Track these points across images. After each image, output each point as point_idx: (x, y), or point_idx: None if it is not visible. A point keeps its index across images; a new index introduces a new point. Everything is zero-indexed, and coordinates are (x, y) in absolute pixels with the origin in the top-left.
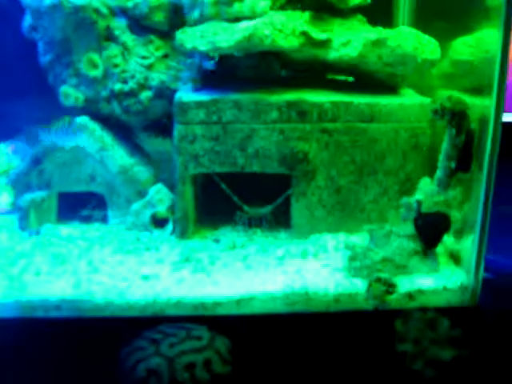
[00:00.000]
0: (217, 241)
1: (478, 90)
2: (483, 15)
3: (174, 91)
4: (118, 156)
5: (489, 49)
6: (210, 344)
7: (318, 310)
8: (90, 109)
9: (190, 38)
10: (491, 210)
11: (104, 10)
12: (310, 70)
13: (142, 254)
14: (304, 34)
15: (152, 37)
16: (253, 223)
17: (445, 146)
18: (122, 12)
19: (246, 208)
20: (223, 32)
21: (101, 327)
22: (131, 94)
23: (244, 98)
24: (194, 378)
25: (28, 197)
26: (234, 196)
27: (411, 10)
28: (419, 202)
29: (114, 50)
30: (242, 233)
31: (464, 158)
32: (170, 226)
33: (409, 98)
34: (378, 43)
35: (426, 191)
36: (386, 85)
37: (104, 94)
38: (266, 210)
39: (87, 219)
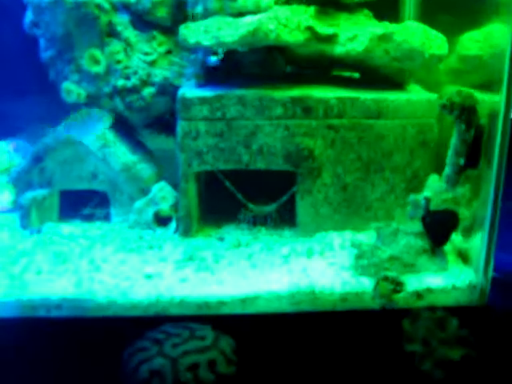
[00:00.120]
0: (221, 239)
1: (487, 86)
2: (492, 10)
3: (177, 88)
4: (121, 153)
5: (498, 43)
6: (214, 344)
7: (325, 309)
8: (92, 105)
9: (193, 32)
10: (501, 207)
11: (106, 6)
12: (316, 66)
13: (145, 252)
14: (309, 28)
15: (155, 32)
16: (257, 221)
17: (453, 141)
18: (125, 7)
19: (250, 206)
20: (227, 27)
21: (103, 327)
22: (134, 90)
23: (248, 93)
24: (197, 378)
25: (29, 195)
26: (239, 194)
27: (417, 4)
28: (427, 200)
29: (116, 45)
30: (247, 231)
31: (473, 154)
32: (173, 224)
33: (416, 94)
34: (384, 38)
35: (434, 188)
36: (392, 81)
37: (106, 90)
38: (270, 207)
39: (89, 217)
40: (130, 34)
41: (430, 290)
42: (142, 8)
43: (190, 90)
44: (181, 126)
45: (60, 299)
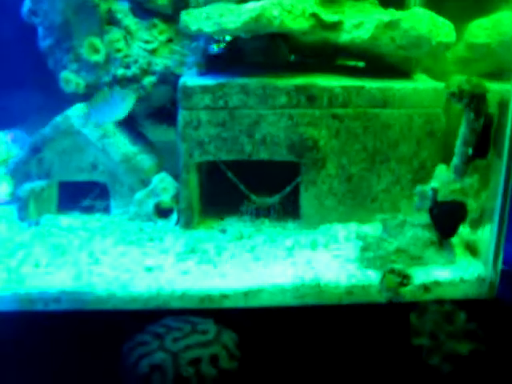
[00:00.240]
0: (223, 231)
1: (496, 75)
2: None
3: (179, 76)
4: (121, 144)
5: (507, 31)
6: (217, 338)
7: (330, 302)
8: (92, 95)
9: (195, 19)
10: (511, 198)
11: None
12: (320, 55)
13: (146, 244)
14: (314, 15)
15: (155, 20)
16: (260, 213)
17: (462, 130)
18: None
19: (253, 197)
20: (230, 13)
21: (102, 321)
22: (134, 79)
23: (251, 82)
24: (199, 374)
25: (27, 186)
26: (241, 185)
27: None
28: (435, 190)
29: (116, 34)
30: (249, 223)
31: (482, 144)
32: (174, 216)
33: (423, 83)
34: (391, 25)
35: (442, 179)
36: (398, 69)
37: (106, 79)
38: (273, 199)
39: (89, 209)
40: (130, 21)
41: (437, 283)
42: None
43: (191, 79)
44: (182, 116)
45: (58, 292)
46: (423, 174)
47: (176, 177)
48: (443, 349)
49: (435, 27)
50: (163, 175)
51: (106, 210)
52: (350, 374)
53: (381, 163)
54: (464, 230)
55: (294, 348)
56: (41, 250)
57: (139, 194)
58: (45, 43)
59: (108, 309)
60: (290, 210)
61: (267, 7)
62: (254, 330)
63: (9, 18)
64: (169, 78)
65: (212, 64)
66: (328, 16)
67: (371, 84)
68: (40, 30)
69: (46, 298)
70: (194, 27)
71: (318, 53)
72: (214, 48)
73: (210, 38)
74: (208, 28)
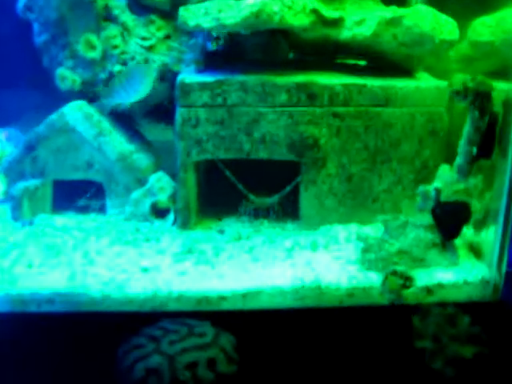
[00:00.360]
0: (221, 231)
1: (499, 73)
2: None
3: (176, 74)
4: (117, 142)
5: (511, 29)
6: (214, 341)
7: (331, 304)
8: (88, 93)
9: (193, 15)
10: None
11: None
12: (320, 53)
13: (142, 245)
14: (315, 11)
15: (153, 17)
16: (259, 213)
17: (466, 129)
18: None
19: (251, 197)
20: (229, 9)
21: (97, 323)
22: None
23: (251, 79)
24: (196, 377)
25: (21, 185)
26: (240, 184)
27: None
28: (438, 191)
29: (112, 30)
30: (248, 223)
31: (486, 143)
32: (171, 216)
33: (425, 81)
34: (393, 22)
35: (445, 179)
36: (400, 67)
37: (102, 76)
38: (272, 199)
39: (84, 209)
40: (128, 18)
41: (440, 286)
42: None
43: (189, 76)
44: (180, 113)
45: (52, 293)
46: (425, 173)
47: (173, 177)
48: (446, 352)
49: (438, 25)
50: (160, 174)
51: (102, 209)
52: (351, 378)
53: (382, 163)
54: (468, 232)
55: (294, 351)
56: (34, 250)
57: (135, 194)
58: (40, 39)
59: (103, 310)
60: (289, 211)
61: (267, 2)
62: (252, 333)
63: (4, 14)
64: (166, 75)
65: (210, 61)
66: (329, 12)
67: (373, 82)
68: (35, 26)
69: (38, 299)
70: (192, 23)
71: (319, 50)
72: (213, 45)
73: (208, 35)
74: (207, 24)
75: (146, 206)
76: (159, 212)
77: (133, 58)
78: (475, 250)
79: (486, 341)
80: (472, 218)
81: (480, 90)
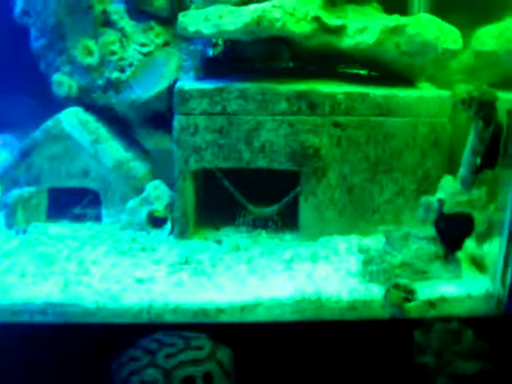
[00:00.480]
0: (219, 242)
1: (502, 85)
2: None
3: (175, 81)
4: (114, 149)
5: None
6: (211, 355)
7: (331, 317)
8: (84, 99)
9: (193, 21)
10: None
11: None
12: (321, 61)
13: (138, 255)
14: (317, 19)
15: (152, 23)
16: (257, 224)
17: (470, 139)
18: None
19: (250, 207)
20: (229, 15)
21: (90, 334)
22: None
23: (251, 86)
24: None
25: (15, 193)
26: (238, 194)
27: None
28: (441, 202)
29: (111, 36)
30: (246, 234)
31: (490, 154)
32: (168, 226)
33: (428, 91)
34: (396, 30)
35: (448, 190)
36: (402, 77)
37: (100, 82)
38: (271, 209)
39: (79, 218)
40: (126, 23)
41: (443, 299)
42: None
43: (188, 83)
44: (178, 121)
45: (45, 304)
46: (427, 184)
47: (171, 186)
48: (449, 369)
49: (442, 33)
50: (157, 183)
51: (97, 218)
52: None
53: (383, 173)
54: (469, 244)
55: (293, 366)
56: (28, 259)
57: (132, 202)
58: (37, 44)
59: (97, 322)
60: (288, 222)
61: (269, 9)
62: (250, 347)
63: (1, 20)
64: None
65: (210, 68)
66: (331, 20)
67: (375, 91)
68: (32, 31)
69: (30, 310)
70: (192, 29)
71: (320, 59)
72: (212, 52)
73: (208, 42)
74: (207, 30)
75: (143, 214)
76: (156, 221)
77: (131, 65)
78: (477, 263)
79: (490, 356)
80: (474, 230)
81: (484, 99)
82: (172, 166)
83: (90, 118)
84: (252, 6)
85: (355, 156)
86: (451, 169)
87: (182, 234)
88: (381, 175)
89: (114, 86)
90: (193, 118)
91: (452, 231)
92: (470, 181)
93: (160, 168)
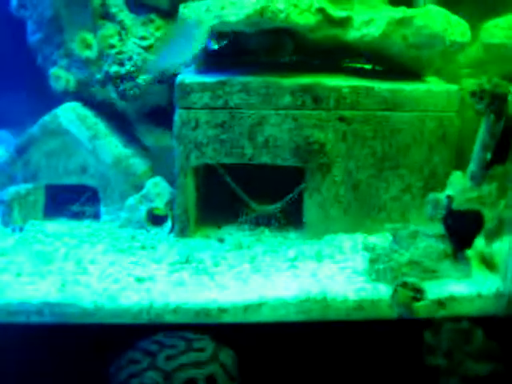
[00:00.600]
0: (221, 240)
1: (509, 79)
2: None
3: (176, 74)
4: (113, 145)
5: None
6: (214, 357)
7: (337, 318)
8: (83, 94)
9: (194, 12)
10: None
11: None
12: (326, 55)
13: (137, 253)
14: (321, 10)
15: (152, 16)
16: (260, 222)
17: (481, 134)
18: None
19: (253, 205)
20: (232, 6)
21: (88, 336)
22: (128, 77)
23: (254, 80)
24: None
25: (12, 190)
26: (240, 191)
27: None
28: (450, 198)
29: (110, 29)
30: (248, 232)
31: (501, 148)
32: (168, 224)
33: (435, 85)
34: (403, 22)
35: (457, 186)
36: (409, 70)
37: (98, 76)
38: (275, 207)
39: (77, 215)
40: (126, 16)
41: (453, 298)
42: None
43: (189, 76)
44: (179, 115)
45: (41, 304)
46: (435, 181)
47: (172, 183)
48: (460, 370)
49: (450, 26)
50: (157, 180)
51: (96, 216)
52: None
53: (390, 169)
54: (479, 242)
55: (298, 367)
56: (24, 258)
57: (131, 200)
58: (34, 38)
59: (95, 322)
60: (291, 219)
61: (272, 0)
62: (254, 348)
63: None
64: (165, 76)
65: (212, 61)
66: (336, 11)
67: (381, 85)
68: (29, 24)
69: (27, 310)
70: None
71: (325, 52)
72: (214, 44)
73: (210, 34)
74: (208, 21)
75: (142, 212)
76: (156, 219)
77: (130, 58)
78: (487, 262)
79: (501, 357)
80: (484, 227)
81: (496, 92)
82: (172, 164)
83: (88, 113)
84: None
85: (361, 151)
86: (459, 164)
87: (182, 231)
88: (387, 171)
89: (112, 80)
90: (194, 112)
91: (461, 228)
92: (480, 176)
93: (160, 166)
